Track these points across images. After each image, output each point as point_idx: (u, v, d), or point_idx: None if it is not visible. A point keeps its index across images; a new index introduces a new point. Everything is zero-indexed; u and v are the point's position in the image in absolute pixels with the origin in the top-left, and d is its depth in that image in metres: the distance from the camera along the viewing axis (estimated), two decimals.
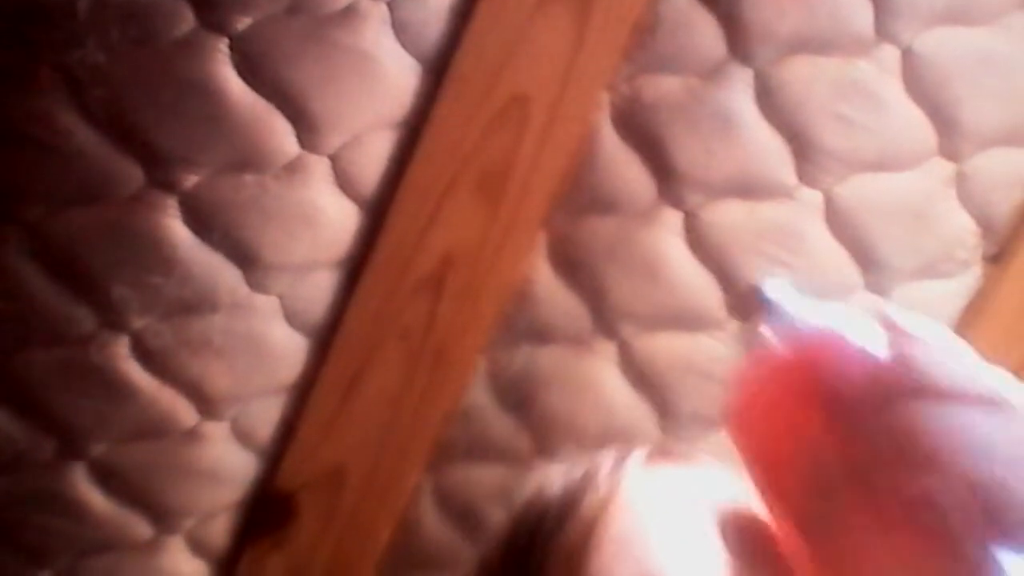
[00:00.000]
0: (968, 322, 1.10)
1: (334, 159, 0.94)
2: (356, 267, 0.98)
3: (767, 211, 1.01)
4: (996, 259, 1.08)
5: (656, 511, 0.53)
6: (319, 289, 0.99)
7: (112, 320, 0.95)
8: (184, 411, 1.01)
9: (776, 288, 0.43)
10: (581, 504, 0.54)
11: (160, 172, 0.90)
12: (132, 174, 0.90)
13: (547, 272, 1.02)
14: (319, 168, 0.93)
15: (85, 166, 0.88)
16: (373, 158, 0.95)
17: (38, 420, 0.99)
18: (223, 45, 0.87)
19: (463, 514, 1.11)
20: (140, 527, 1.07)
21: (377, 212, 0.97)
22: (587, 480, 0.57)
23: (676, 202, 1.00)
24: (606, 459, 0.60)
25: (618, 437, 1.09)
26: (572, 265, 1.02)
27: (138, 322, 0.95)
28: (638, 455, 0.59)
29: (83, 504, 1.04)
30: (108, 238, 0.92)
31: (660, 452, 0.59)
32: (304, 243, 0.95)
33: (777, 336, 0.43)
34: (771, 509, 0.42)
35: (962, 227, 1.06)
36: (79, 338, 0.95)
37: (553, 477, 0.60)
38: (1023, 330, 1.11)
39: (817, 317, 0.43)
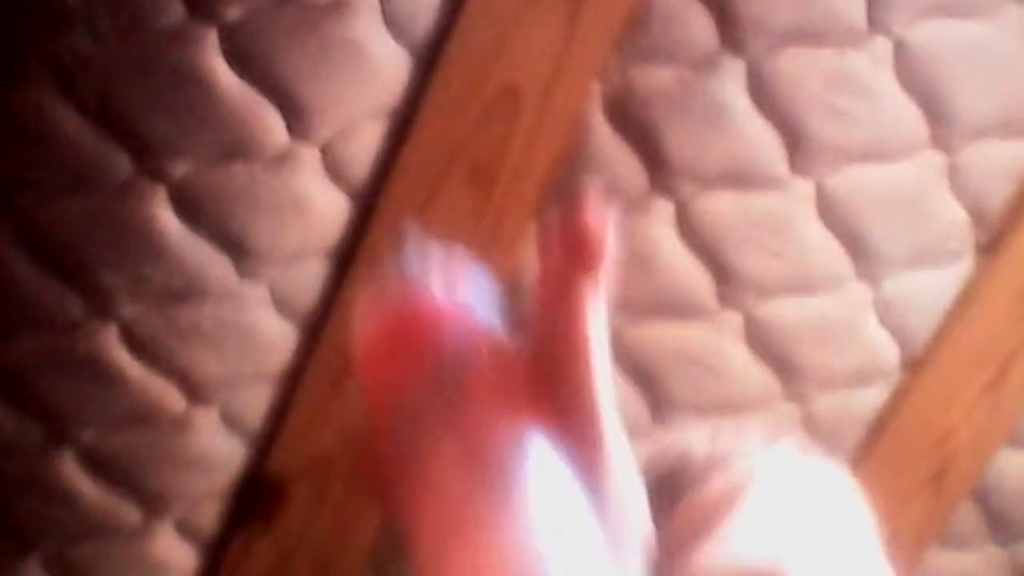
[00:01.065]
0: (960, 311, 1.10)
1: (324, 149, 0.93)
2: (346, 256, 0.98)
3: (759, 201, 1.01)
4: (988, 249, 1.08)
5: (795, 495, 0.57)
6: (309, 278, 0.98)
7: (101, 308, 0.95)
8: (173, 398, 1.01)
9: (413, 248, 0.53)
10: (730, 465, 0.57)
11: (149, 161, 0.90)
12: (121, 163, 0.89)
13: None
14: (309, 158, 0.93)
15: (74, 155, 0.88)
16: (363, 148, 0.94)
17: (26, 407, 0.99)
18: (213, 35, 0.86)
19: None
20: (129, 513, 1.06)
21: (368, 202, 0.96)
22: (737, 449, 0.59)
23: (668, 193, 0.99)
24: (754, 437, 0.62)
25: None
26: None
27: (127, 310, 0.95)
28: (787, 441, 0.62)
29: (72, 490, 1.04)
30: (97, 227, 0.91)
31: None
32: (294, 232, 0.95)
33: (402, 286, 0.52)
34: (377, 436, 0.51)
35: (954, 217, 1.06)
36: (68, 326, 0.95)
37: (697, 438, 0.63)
38: (1015, 319, 1.11)
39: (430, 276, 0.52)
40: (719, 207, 1.01)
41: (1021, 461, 1.18)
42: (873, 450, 1.15)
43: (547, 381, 0.49)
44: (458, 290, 0.51)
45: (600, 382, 0.49)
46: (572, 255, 0.49)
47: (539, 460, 0.47)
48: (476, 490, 0.46)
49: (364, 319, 0.51)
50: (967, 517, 1.20)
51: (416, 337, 0.50)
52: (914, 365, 1.12)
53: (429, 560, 0.47)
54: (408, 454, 0.48)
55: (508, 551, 0.45)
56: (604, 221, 0.48)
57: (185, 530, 1.09)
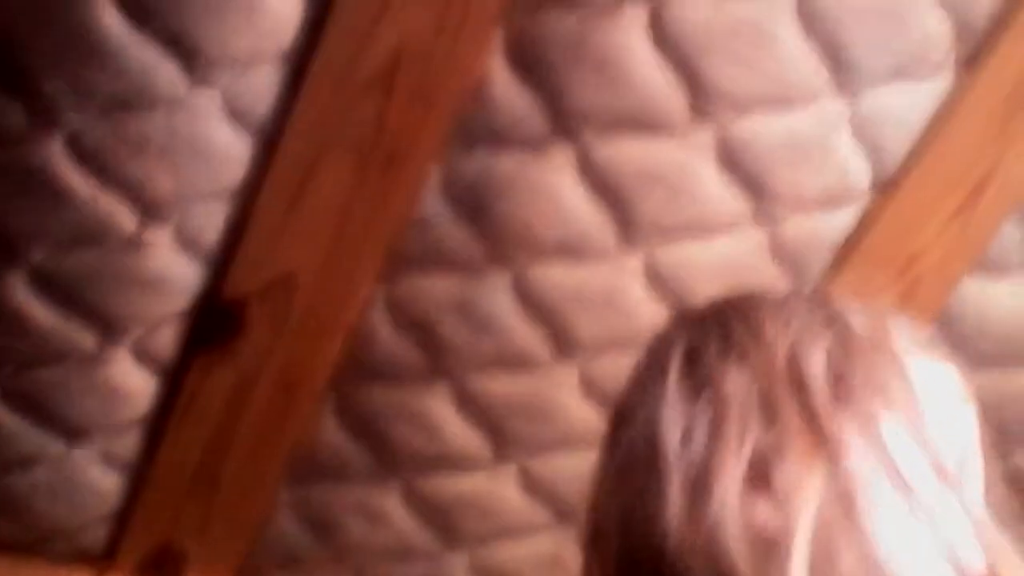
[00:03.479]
0: (936, 129, 1.07)
1: None
2: (302, 62, 0.93)
3: (737, 8, 0.97)
4: (969, 63, 1.05)
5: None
6: (263, 85, 0.93)
7: (45, 117, 0.90)
8: (124, 216, 0.97)
9: None
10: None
11: None
12: None
13: (504, 71, 0.97)
14: None
15: None
16: None
17: None
18: None
19: (417, 325, 1.09)
20: (84, 338, 1.03)
21: (323, 1, 0.91)
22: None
23: None
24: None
25: (575, 246, 1.07)
26: (530, 63, 0.97)
27: (73, 119, 0.90)
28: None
29: (23, 314, 1.01)
30: (37, 27, 0.86)
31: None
32: (246, 34, 0.90)
33: None
34: None
35: (937, 28, 1.02)
36: (11, 138, 0.90)
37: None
38: (991, 139, 1.09)
39: None
40: (696, 15, 0.96)
41: (986, 289, 1.17)
42: (837, 276, 1.14)
43: None
44: None
45: None
46: None
47: None
48: None
49: None
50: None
51: None
52: (885, 186, 1.10)
53: None
54: None
55: None
56: None
57: (142, 356, 1.07)
